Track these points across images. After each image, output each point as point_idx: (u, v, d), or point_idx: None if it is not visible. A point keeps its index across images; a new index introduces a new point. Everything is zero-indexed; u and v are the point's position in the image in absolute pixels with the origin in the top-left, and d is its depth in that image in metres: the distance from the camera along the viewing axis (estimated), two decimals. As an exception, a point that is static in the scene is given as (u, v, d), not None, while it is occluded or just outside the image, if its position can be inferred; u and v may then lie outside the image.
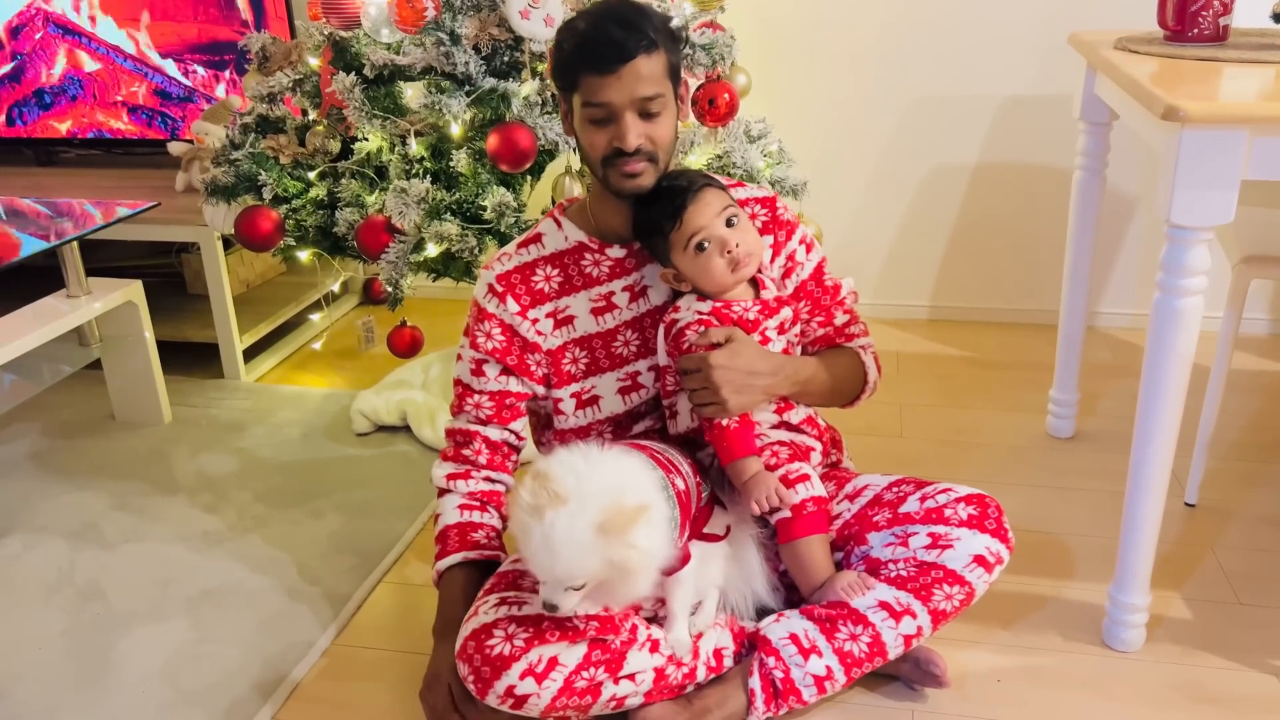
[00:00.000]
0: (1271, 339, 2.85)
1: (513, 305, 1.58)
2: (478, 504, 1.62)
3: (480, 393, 1.61)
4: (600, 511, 1.28)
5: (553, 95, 2.03)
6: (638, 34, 1.41)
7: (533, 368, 1.61)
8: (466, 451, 1.62)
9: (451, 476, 1.63)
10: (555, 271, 1.60)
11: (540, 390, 1.63)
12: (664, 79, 1.45)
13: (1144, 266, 2.88)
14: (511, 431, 1.64)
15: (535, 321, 1.59)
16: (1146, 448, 1.56)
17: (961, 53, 2.77)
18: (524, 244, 1.62)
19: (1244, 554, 1.90)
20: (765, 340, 1.55)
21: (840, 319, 1.67)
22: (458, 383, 1.64)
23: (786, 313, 1.58)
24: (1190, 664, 1.64)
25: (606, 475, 1.34)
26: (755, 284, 1.58)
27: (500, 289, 1.59)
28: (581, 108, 1.46)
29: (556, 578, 1.31)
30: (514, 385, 1.61)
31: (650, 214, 1.52)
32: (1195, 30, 1.84)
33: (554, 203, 2.14)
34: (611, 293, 1.59)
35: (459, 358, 1.64)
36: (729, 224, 1.50)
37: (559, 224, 1.62)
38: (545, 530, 1.28)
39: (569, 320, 1.59)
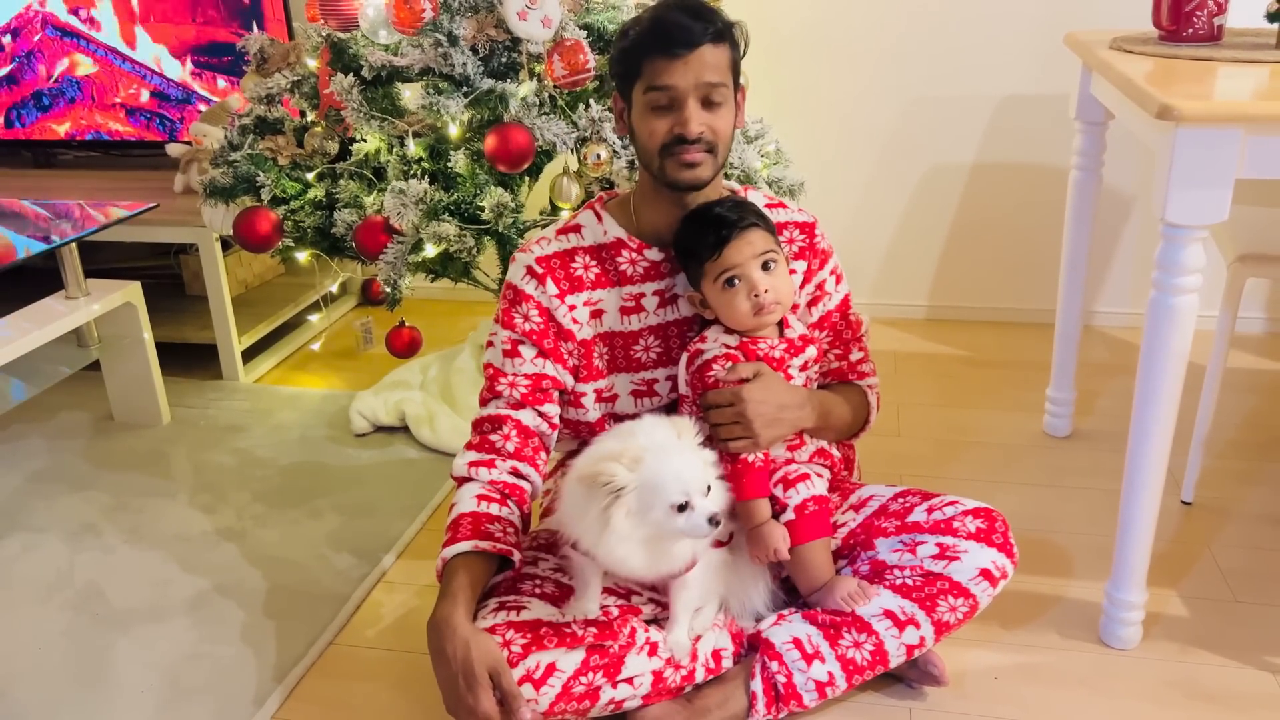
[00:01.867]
0: (1267, 337, 2.86)
1: (552, 288, 1.54)
2: (498, 496, 1.50)
3: (515, 374, 1.54)
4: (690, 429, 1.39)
5: (551, 97, 2.04)
6: (705, 22, 1.41)
7: (565, 356, 1.56)
8: (494, 437, 1.53)
9: (474, 464, 1.51)
10: (593, 263, 1.56)
11: (570, 382, 1.58)
12: (728, 71, 1.44)
13: (1140, 265, 2.89)
14: (545, 418, 1.55)
15: (572, 308, 1.55)
16: (1143, 446, 1.56)
17: (958, 53, 2.78)
18: (563, 231, 1.58)
19: (1240, 552, 1.91)
20: (788, 378, 1.55)
21: (855, 355, 1.67)
22: (488, 367, 1.57)
23: (811, 351, 1.58)
24: (1187, 661, 1.65)
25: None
26: (780, 320, 1.57)
27: (540, 271, 1.55)
28: (644, 94, 1.44)
29: (702, 472, 1.35)
30: (550, 369, 1.55)
31: (692, 237, 1.50)
32: (1190, 30, 1.85)
33: (552, 204, 2.15)
34: (642, 294, 1.57)
35: (489, 344, 1.59)
36: (765, 267, 1.49)
37: (599, 217, 1.58)
38: (673, 443, 1.36)
39: (599, 314, 1.57)
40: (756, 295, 1.48)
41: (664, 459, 1.33)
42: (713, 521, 1.32)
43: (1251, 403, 2.48)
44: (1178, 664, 1.64)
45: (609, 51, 2.06)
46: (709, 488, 1.35)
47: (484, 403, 1.58)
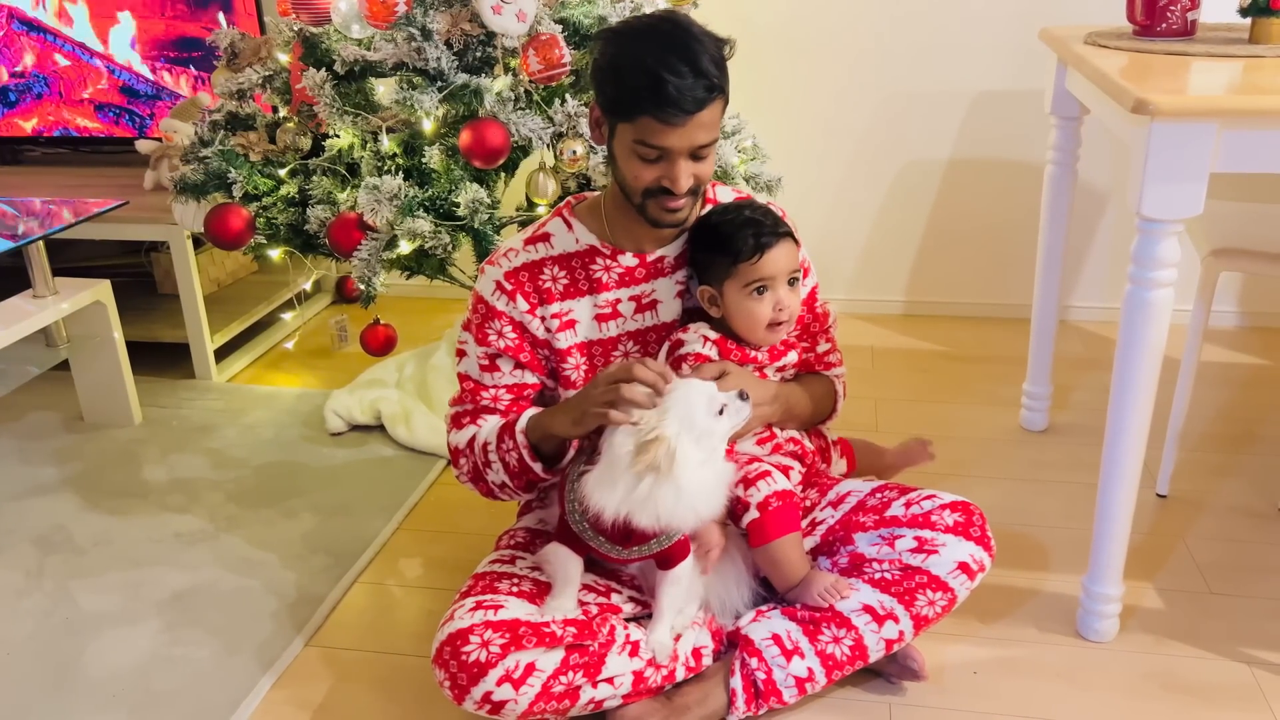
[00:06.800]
0: (1240, 331, 2.88)
1: (522, 304, 1.53)
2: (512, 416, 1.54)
3: (495, 387, 1.55)
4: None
5: (526, 92, 2.02)
6: (706, 82, 1.35)
7: (543, 362, 1.57)
8: (481, 415, 1.56)
9: (467, 426, 1.55)
10: (562, 273, 1.54)
11: (550, 384, 1.59)
12: (719, 122, 1.42)
13: (1115, 260, 2.91)
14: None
15: (543, 320, 1.54)
16: (1118, 439, 1.57)
17: (934, 48, 2.78)
18: (531, 241, 1.56)
19: (1215, 544, 1.92)
20: (763, 378, 1.56)
21: (823, 346, 1.68)
22: (465, 378, 1.57)
23: (792, 356, 1.59)
24: (1163, 653, 1.65)
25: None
26: None
27: (509, 287, 1.53)
28: (631, 140, 1.40)
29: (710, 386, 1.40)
30: (529, 378, 1.56)
31: (729, 236, 1.48)
32: (1164, 25, 1.86)
33: (528, 199, 2.13)
34: (618, 300, 1.55)
35: (461, 353, 1.58)
36: (790, 283, 1.51)
37: (569, 225, 1.56)
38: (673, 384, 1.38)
39: (571, 325, 1.55)
40: (779, 309, 1.49)
41: (679, 391, 1.35)
42: (741, 396, 1.38)
43: (1225, 396, 2.50)
44: (1154, 656, 1.65)
45: (585, 48, 2.05)
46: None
47: (458, 404, 1.59)
